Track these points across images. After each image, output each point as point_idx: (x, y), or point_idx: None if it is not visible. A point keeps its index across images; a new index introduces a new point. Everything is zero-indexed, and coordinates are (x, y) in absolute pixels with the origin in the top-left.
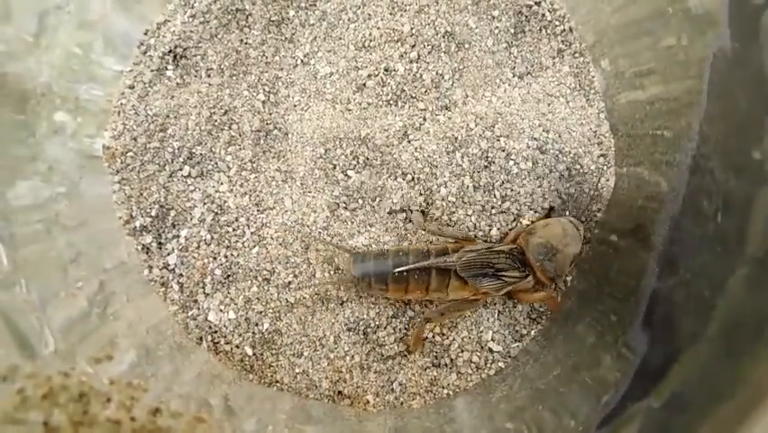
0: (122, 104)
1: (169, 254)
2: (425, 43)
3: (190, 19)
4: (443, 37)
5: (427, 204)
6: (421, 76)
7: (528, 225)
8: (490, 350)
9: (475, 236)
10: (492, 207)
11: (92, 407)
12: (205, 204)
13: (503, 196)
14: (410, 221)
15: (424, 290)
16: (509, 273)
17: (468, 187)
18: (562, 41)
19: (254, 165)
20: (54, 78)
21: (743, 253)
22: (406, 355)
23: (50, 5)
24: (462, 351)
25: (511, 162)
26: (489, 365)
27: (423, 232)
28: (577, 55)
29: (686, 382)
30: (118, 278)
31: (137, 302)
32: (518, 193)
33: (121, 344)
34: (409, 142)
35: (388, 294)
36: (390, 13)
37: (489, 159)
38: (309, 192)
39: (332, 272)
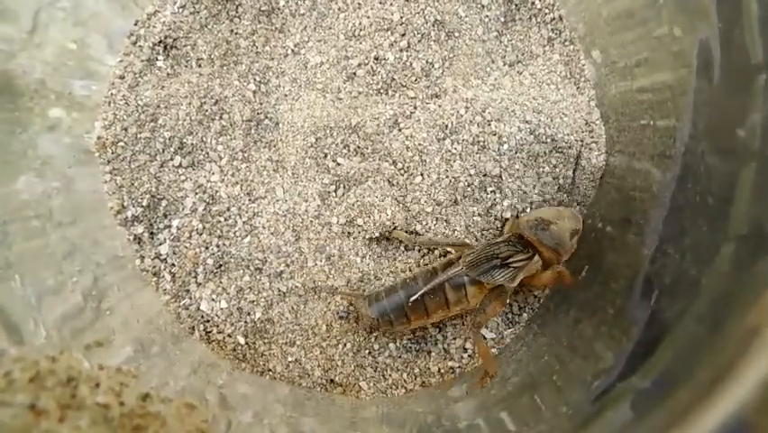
0: (112, 94)
1: (160, 244)
2: (415, 32)
3: (180, 9)
4: (433, 26)
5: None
6: (411, 64)
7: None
8: (483, 337)
9: (476, 239)
10: (485, 194)
11: (80, 391)
12: (196, 194)
13: (494, 180)
14: (402, 244)
15: (444, 307)
16: (516, 258)
17: (457, 172)
18: (552, 30)
19: (245, 155)
20: (48, 74)
21: (727, 230)
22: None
23: (44, 1)
24: (455, 338)
25: (504, 146)
26: None
27: (414, 246)
28: (567, 43)
29: (674, 359)
30: (112, 273)
31: (131, 296)
32: (511, 180)
33: (116, 340)
34: (400, 130)
35: (411, 325)
36: (380, 3)
37: (481, 144)
38: (300, 181)
39: (349, 322)
